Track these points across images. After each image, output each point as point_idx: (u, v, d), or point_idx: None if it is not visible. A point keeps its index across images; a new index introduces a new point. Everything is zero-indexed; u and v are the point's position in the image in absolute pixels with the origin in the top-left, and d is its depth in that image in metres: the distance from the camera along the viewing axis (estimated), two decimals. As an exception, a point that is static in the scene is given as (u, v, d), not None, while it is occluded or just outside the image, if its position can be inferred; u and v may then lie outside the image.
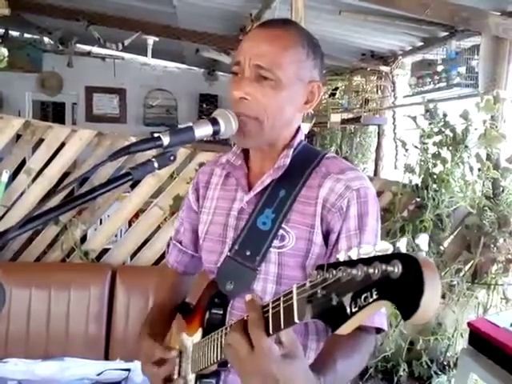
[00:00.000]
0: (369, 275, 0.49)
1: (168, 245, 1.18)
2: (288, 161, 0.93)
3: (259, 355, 0.65)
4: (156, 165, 0.72)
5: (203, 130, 0.80)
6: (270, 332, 0.66)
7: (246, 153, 1.00)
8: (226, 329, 0.80)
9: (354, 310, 0.52)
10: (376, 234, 0.91)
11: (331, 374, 0.75)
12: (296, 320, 0.61)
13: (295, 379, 0.67)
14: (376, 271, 0.49)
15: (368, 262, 0.50)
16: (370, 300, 0.50)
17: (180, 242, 1.14)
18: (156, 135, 0.72)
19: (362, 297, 0.50)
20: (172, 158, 0.73)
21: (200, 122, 0.81)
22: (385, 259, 0.49)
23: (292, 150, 0.94)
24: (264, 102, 0.87)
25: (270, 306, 0.67)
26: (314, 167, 0.93)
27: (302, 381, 0.68)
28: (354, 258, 0.53)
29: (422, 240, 0.49)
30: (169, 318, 1.10)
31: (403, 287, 0.47)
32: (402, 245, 0.50)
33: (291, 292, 0.63)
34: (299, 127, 0.98)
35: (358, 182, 0.90)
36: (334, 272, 0.54)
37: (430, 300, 0.45)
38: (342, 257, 0.56)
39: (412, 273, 0.46)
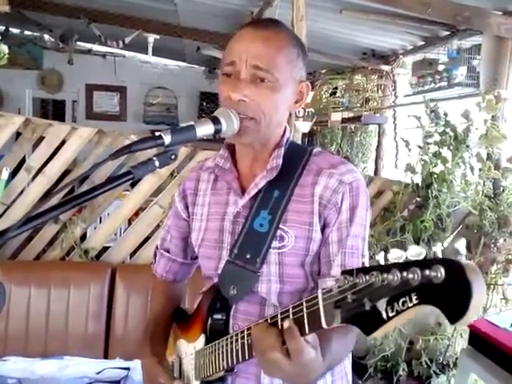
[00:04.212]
0: (407, 280, 0.50)
1: (155, 254, 1.16)
2: (280, 161, 0.93)
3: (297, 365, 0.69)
4: (157, 163, 0.71)
5: (205, 129, 0.79)
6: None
7: (232, 155, 1.00)
8: (238, 335, 0.80)
9: (390, 315, 0.52)
10: (364, 224, 0.92)
11: (328, 355, 0.77)
12: (324, 325, 0.62)
13: (314, 371, 0.72)
14: (415, 276, 0.49)
15: (404, 266, 0.50)
16: (410, 304, 0.50)
17: (167, 251, 1.13)
18: (157, 134, 0.72)
19: (400, 301, 0.50)
20: (173, 156, 0.73)
21: (201, 121, 0.80)
22: (424, 265, 0.49)
23: (283, 149, 0.95)
24: (261, 103, 0.87)
25: (291, 311, 0.67)
26: (303, 165, 0.94)
27: (319, 370, 0.73)
28: (382, 261, 0.53)
29: (461, 244, 0.50)
30: (166, 329, 1.10)
31: (448, 292, 0.47)
32: (438, 249, 0.51)
33: (316, 297, 0.63)
34: (286, 125, 0.99)
35: (351, 176, 0.91)
36: (367, 277, 0.54)
37: (479, 303, 0.46)
38: (367, 262, 0.56)
39: (457, 277, 0.47)
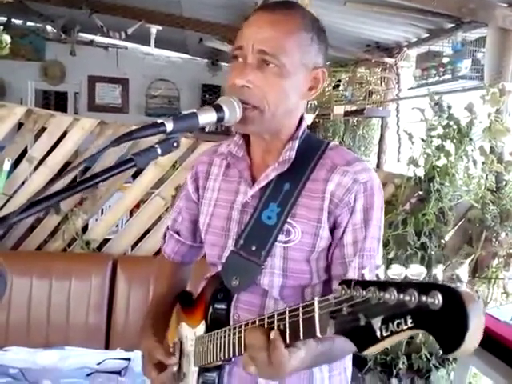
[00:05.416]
0: (403, 302, 0.48)
1: (164, 235, 1.16)
2: (293, 154, 0.91)
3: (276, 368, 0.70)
4: (159, 151, 0.70)
5: (207, 117, 0.78)
6: (287, 342, 0.67)
7: (247, 143, 0.98)
8: (236, 328, 0.80)
9: (385, 335, 0.51)
10: (380, 225, 0.91)
11: (328, 344, 0.77)
12: (318, 334, 0.61)
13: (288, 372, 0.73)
14: (412, 299, 0.48)
15: (401, 287, 0.49)
16: (404, 327, 0.49)
17: (177, 233, 1.12)
18: (159, 121, 0.71)
19: (395, 322, 0.50)
20: (175, 144, 0.72)
21: (204, 109, 0.79)
22: (422, 288, 0.48)
23: (297, 142, 0.92)
24: (266, 90, 0.85)
25: (287, 315, 0.67)
26: (318, 159, 0.92)
27: (309, 361, 0.75)
28: (382, 276, 0.52)
29: (463, 270, 0.48)
30: (169, 311, 1.10)
31: (444, 320, 0.46)
32: (439, 271, 0.49)
33: (312, 304, 0.63)
34: (302, 116, 0.96)
35: (366, 175, 0.89)
36: (364, 292, 0.53)
37: (475, 336, 0.45)
38: (367, 274, 0.56)
39: (454, 306, 0.45)
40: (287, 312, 0.67)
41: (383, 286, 0.51)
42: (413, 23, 3.29)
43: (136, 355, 2.09)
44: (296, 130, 0.94)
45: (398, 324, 0.49)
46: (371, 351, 0.53)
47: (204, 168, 1.04)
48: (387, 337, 0.51)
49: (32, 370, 2.01)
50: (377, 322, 0.51)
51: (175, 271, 1.16)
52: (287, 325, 0.67)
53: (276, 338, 0.68)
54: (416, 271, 0.50)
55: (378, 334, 0.51)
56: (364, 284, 0.54)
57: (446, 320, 0.46)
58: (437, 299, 0.46)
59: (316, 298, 0.62)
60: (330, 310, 0.59)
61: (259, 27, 0.85)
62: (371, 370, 2.50)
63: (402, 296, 0.49)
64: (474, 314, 0.45)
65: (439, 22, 3.14)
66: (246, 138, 0.98)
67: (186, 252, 1.14)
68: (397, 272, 0.51)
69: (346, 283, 0.56)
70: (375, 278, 0.53)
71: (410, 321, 0.48)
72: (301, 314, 0.65)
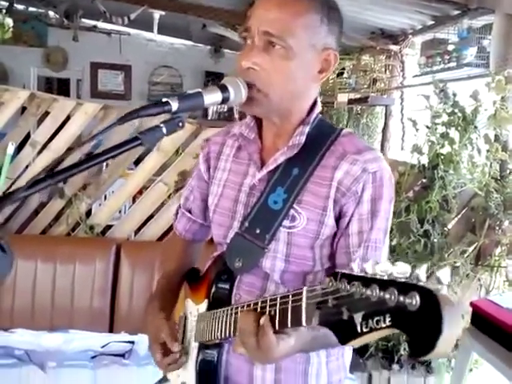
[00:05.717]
0: (384, 300, 0.49)
1: (176, 212, 1.17)
2: (303, 139, 0.90)
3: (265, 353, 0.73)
4: (164, 130, 0.70)
5: (212, 97, 0.78)
6: (277, 328, 0.69)
7: (259, 125, 0.97)
8: (232, 309, 0.82)
9: (364, 330, 0.52)
10: (388, 217, 0.90)
11: (321, 332, 0.77)
12: (304, 323, 0.63)
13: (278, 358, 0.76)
14: (392, 298, 0.48)
15: (384, 285, 0.50)
16: (383, 325, 0.49)
17: (189, 211, 1.13)
18: (164, 100, 0.71)
19: (375, 319, 0.50)
20: (180, 124, 0.72)
21: (209, 89, 0.79)
22: (402, 288, 0.48)
23: (308, 127, 0.92)
24: (271, 73, 0.84)
25: (278, 301, 0.69)
26: (329, 145, 0.91)
27: (299, 348, 0.77)
28: (370, 271, 0.53)
29: (444, 273, 0.48)
30: (177, 288, 1.11)
31: (419, 322, 0.46)
32: (422, 272, 0.49)
33: (301, 293, 0.64)
34: (316, 100, 0.95)
35: (376, 165, 0.88)
36: (348, 286, 0.54)
37: (447, 341, 0.44)
38: (356, 267, 0.56)
39: (430, 309, 0.45)
40: (278, 298, 0.69)
41: (367, 281, 0.51)
42: (418, 10, 3.25)
43: (140, 338, 2.11)
44: (308, 114, 0.93)
45: (378, 321, 0.50)
46: (352, 344, 0.54)
47: (216, 148, 1.04)
48: (366, 333, 0.51)
49: (37, 352, 2.04)
50: (358, 317, 0.52)
51: (186, 248, 1.17)
52: (277, 311, 0.69)
53: (265, 324, 0.70)
54: (401, 269, 0.50)
55: (359, 329, 0.52)
56: (350, 278, 0.54)
57: (422, 322, 0.46)
58: (415, 300, 0.46)
59: (305, 287, 0.64)
60: (316, 300, 0.60)
61: (266, 9, 0.85)
62: (372, 356, 2.52)
63: (382, 294, 0.49)
64: (450, 318, 0.44)
65: (445, 9, 3.10)
66: (258, 121, 0.97)
67: (197, 230, 1.14)
68: (384, 268, 0.51)
69: (334, 275, 0.57)
70: (362, 273, 0.54)
71: (388, 319, 0.49)
72: (290, 302, 0.66)
